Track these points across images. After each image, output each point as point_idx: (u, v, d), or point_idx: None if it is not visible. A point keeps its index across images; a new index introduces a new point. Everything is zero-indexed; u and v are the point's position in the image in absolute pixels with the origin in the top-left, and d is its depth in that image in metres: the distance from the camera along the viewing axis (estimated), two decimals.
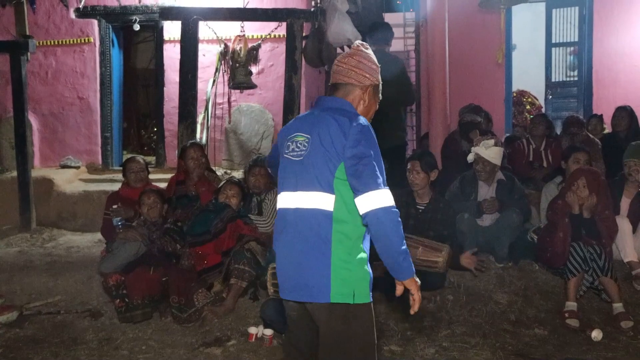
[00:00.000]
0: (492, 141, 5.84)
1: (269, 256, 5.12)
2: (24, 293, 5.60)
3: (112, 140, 9.42)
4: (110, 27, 9.26)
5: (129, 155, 7.81)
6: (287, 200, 2.84)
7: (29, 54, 8.03)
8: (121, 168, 6.53)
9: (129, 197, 5.94)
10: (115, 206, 5.76)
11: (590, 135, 7.50)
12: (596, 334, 4.56)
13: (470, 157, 5.90)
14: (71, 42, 9.23)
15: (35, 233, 7.67)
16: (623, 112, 7.52)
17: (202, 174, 6.18)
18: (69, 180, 8.54)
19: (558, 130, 8.71)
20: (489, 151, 5.77)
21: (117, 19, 9.20)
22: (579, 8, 10.51)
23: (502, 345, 4.49)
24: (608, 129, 8.20)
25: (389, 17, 10.65)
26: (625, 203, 5.81)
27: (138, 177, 6.13)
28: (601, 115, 8.35)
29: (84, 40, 9.21)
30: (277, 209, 2.88)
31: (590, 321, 4.86)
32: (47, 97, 9.33)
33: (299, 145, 2.82)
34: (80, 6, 8.98)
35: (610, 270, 4.93)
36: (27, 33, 8.14)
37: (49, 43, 9.23)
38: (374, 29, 7.17)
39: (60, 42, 9.24)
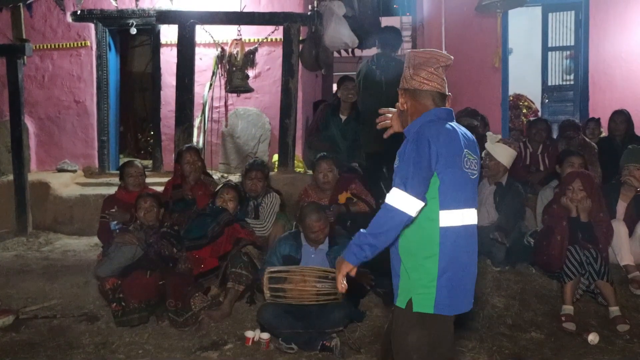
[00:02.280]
0: (498, 136, 5.93)
1: (265, 260, 5.11)
2: (20, 297, 5.59)
3: (109, 144, 9.39)
4: (107, 31, 9.24)
5: (126, 159, 7.80)
6: (471, 216, 2.84)
7: (25, 57, 8.02)
8: (118, 172, 6.52)
9: (125, 200, 5.94)
10: (112, 210, 5.77)
11: (587, 139, 7.52)
12: (593, 338, 4.57)
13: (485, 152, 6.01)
14: (68, 45, 9.21)
15: (32, 237, 7.65)
16: (621, 116, 7.53)
17: (198, 178, 6.18)
18: (66, 184, 8.51)
19: (555, 135, 8.73)
20: (495, 146, 5.84)
21: (114, 23, 9.18)
22: (575, 12, 10.54)
23: (499, 349, 4.50)
24: (604, 133, 8.22)
25: (385, 21, 10.69)
26: (621, 207, 5.82)
27: (136, 181, 6.14)
28: (599, 118, 8.36)
29: (81, 44, 9.19)
30: (461, 225, 2.78)
31: (587, 325, 4.86)
32: (43, 100, 9.30)
33: (473, 164, 2.83)
34: (77, 10, 8.96)
35: (607, 273, 4.94)
36: (24, 37, 8.11)
37: (45, 47, 9.21)
38: (383, 33, 7.12)
39: (57, 46, 9.22)
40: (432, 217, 2.71)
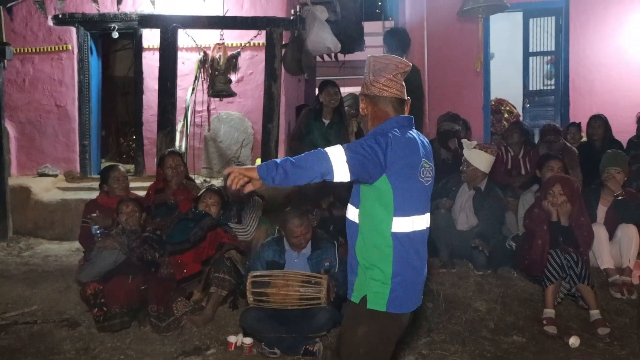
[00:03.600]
0: (474, 142, 5.98)
1: (248, 265, 5.10)
2: (0, 303, 5.54)
3: (91, 149, 9.34)
4: (88, 34, 9.20)
5: (107, 164, 7.75)
6: (421, 222, 2.88)
7: (6, 61, 7.96)
8: (99, 176, 6.48)
9: (107, 205, 5.91)
10: (94, 214, 5.73)
11: (568, 144, 7.58)
12: (573, 341, 4.60)
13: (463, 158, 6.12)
14: (49, 49, 9.15)
15: (12, 242, 7.58)
16: (598, 121, 7.60)
17: (180, 183, 6.16)
18: (47, 189, 8.45)
19: (536, 139, 8.79)
20: (471, 153, 5.90)
21: (96, 27, 9.14)
22: (555, 18, 10.63)
23: (481, 352, 4.52)
24: (585, 138, 8.29)
25: (368, 26, 10.74)
26: (601, 211, 5.88)
27: (122, 185, 6.13)
28: (579, 123, 8.44)
29: (62, 47, 9.14)
30: (411, 231, 2.84)
31: (568, 328, 4.90)
32: (24, 104, 9.24)
33: (428, 172, 2.88)
34: (59, 13, 8.91)
35: (587, 277, 4.98)
36: (4, 40, 8.05)
37: (26, 50, 9.15)
38: (389, 36, 7.07)
39: (38, 50, 9.16)
40: (386, 222, 2.79)
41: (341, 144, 2.69)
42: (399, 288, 2.80)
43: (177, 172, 6.12)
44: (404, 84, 2.91)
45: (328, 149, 2.66)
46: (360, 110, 2.97)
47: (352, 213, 2.93)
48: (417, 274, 2.88)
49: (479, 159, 5.95)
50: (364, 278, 2.84)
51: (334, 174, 2.65)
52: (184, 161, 6.41)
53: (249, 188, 2.71)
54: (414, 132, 2.88)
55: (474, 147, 5.96)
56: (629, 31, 9.77)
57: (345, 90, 8.56)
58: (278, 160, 2.67)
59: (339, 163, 2.64)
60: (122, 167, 6.42)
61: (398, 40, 6.67)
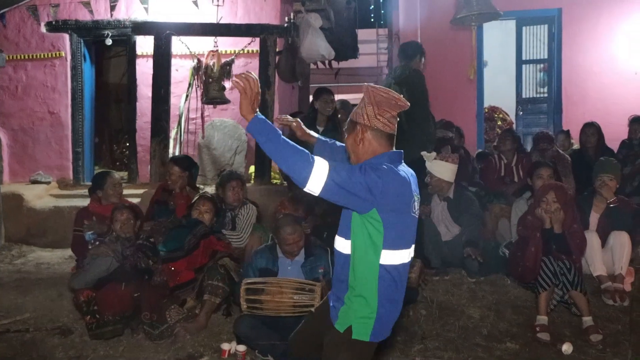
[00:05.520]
0: (433, 154, 5.99)
1: (242, 273, 5.09)
2: None
3: (84, 156, 9.32)
4: (82, 41, 9.19)
5: (100, 170, 7.74)
6: (408, 255, 2.90)
7: None
8: (92, 183, 6.48)
9: (99, 212, 5.90)
10: (89, 222, 5.72)
11: (561, 151, 7.61)
12: (566, 348, 4.61)
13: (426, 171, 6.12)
14: (42, 56, 9.15)
15: (4, 249, 7.56)
16: (591, 128, 7.63)
17: (183, 188, 6.30)
18: (39, 196, 8.43)
19: (529, 146, 8.83)
20: (432, 164, 5.93)
21: (89, 34, 9.14)
22: (548, 26, 10.70)
23: (475, 359, 4.52)
24: (576, 145, 8.33)
25: (362, 34, 10.76)
26: (594, 218, 5.90)
27: (117, 191, 6.14)
28: (568, 130, 8.49)
29: (55, 54, 9.14)
30: (400, 264, 2.85)
31: (561, 335, 4.90)
32: (17, 111, 9.23)
33: (417, 204, 2.90)
34: (52, 20, 8.91)
35: (580, 284, 4.99)
36: None
37: (19, 57, 9.15)
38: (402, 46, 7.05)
39: (30, 57, 9.16)
40: (376, 255, 2.80)
41: (329, 164, 2.66)
42: (382, 319, 2.85)
43: (175, 180, 6.21)
44: None
45: (317, 160, 2.65)
46: (355, 140, 2.89)
47: (342, 244, 2.94)
48: (397, 306, 2.92)
49: (440, 169, 5.99)
50: (350, 307, 2.86)
51: (306, 183, 2.65)
52: (189, 170, 6.44)
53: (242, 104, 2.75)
54: (404, 168, 2.87)
55: (435, 159, 5.99)
56: (621, 39, 9.85)
57: (339, 98, 8.56)
58: (276, 128, 2.69)
59: (318, 176, 2.63)
60: (116, 174, 6.43)
61: (415, 45, 6.69)
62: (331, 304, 3.01)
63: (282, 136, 2.69)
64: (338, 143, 3.39)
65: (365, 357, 2.94)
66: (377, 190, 2.67)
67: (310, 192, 2.68)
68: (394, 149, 2.90)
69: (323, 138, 3.42)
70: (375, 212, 2.73)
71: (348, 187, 2.65)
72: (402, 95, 2.87)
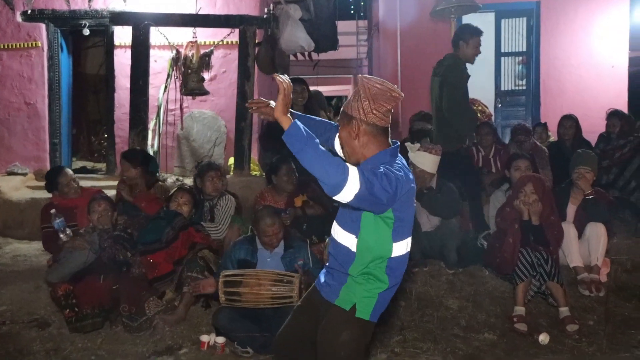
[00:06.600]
0: (417, 145, 5.99)
1: (220, 264, 5.08)
2: None
3: (61, 147, 9.22)
4: (58, 31, 9.08)
5: (50, 169, 7.54)
6: (409, 244, 2.95)
7: None
8: (45, 182, 6.36)
9: (64, 205, 5.81)
10: (52, 211, 5.51)
11: (538, 143, 7.66)
12: (543, 338, 4.66)
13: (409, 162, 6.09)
14: (18, 46, 9.03)
15: None
16: (569, 121, 7.68)
17: (142, 189, 6.20)
18: (16, 188, 8.33)
19: (508, 138, 8.88)
20: (416, 155, 5.93)
21: (66, 24, 9.02)
22: (526, 19, 10.74)
23: (453, 350, 4.56)
24: (554, 137, 8.39)
25: (342, 25, 10.74)
26: (571, 210, 5.95)
27: (72, 188, 6.05)
28: (545, 123, 8.55)
29: (32, 44, 9.02)
30: (405, 252, 2.92)
31: (538, 325, 4.96)
32: None
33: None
34: (28, 9, 8.79)
35: (557, 275, 5.04)
36: None
37: None
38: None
39: (6, 46, 9.03)
40: (387, 249, 2.83)
41: (359, 173, 2.57)
42: (382, 301, 2.88)
43: (131, 178, 6.19)
44: None
45: (352, 169, 2.56)
46: (350, 134, 2.83)
47: (348, 240, 2.87)
48: (393, 290, 2.95)
49: (423, 160, 5.97)
50: (355, 286, 2.86)
51: (337, 193, 2.56)
52: (144, 167, 6.34)
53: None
54: (402, 161, 2.87)
55: (418, 150, 5.99)
56: (598, 33, 9.94)
57: (314, 89, 8.52)
58: (311, 135, 2.61)
59: (352, 186, 2.54)
60: (68, 170, 6.31)
61: (457, 32, 6.71)
62: (323, 281, 3.01)
63: (317, 143, 2.60)
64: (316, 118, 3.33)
65: (367, 337, 2.96)
66: (398, 196, 2.68)
67: (339, 200, 2.61)
68: (390, 141, 2.89)
69: (298, 113, 3.21)
70: (390, 211, 2.75)
71: (377, 194, 2.59)
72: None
